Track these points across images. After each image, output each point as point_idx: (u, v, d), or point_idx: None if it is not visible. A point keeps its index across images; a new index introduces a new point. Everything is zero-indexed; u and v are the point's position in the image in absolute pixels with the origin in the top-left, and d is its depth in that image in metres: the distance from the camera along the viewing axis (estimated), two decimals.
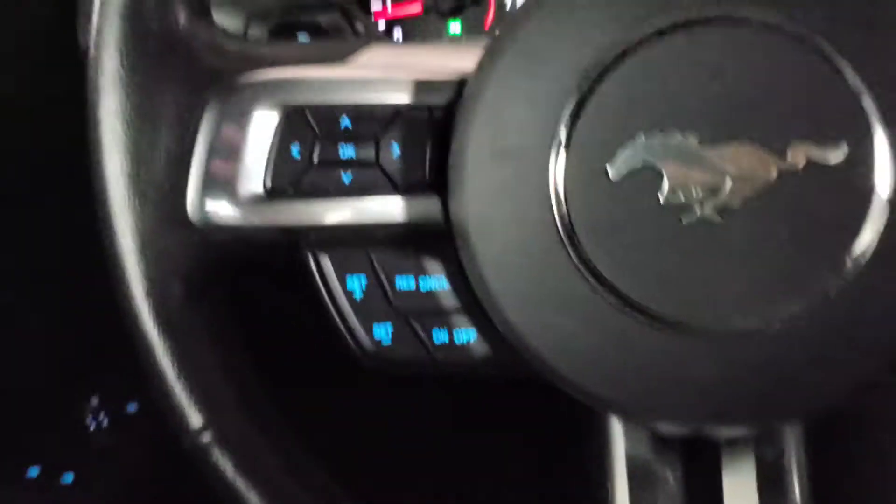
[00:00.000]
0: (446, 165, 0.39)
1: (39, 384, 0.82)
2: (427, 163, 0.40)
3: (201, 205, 0.39)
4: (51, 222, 0.76)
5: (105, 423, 0.85)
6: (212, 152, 0.39)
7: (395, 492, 0.46)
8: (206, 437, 0.39)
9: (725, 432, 0.40)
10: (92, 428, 0.84)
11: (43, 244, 0.76)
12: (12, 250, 0.75)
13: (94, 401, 0.86)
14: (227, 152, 0.39)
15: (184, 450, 0.39)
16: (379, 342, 0.40)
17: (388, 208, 0.40)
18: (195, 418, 0.39)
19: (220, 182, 0.39)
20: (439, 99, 0.40)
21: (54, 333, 0.82)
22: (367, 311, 0.40)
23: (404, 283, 0.40)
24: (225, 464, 0.39)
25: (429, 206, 0.40)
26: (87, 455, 0.80)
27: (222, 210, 0.39)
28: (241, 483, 0.39)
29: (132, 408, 0.86)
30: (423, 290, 0.41)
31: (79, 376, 0.85)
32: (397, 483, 0.52)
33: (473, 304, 0.40)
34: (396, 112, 0.40)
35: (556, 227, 0.37)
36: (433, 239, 0.40)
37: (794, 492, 0.40)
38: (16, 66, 0.68)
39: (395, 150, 0.40)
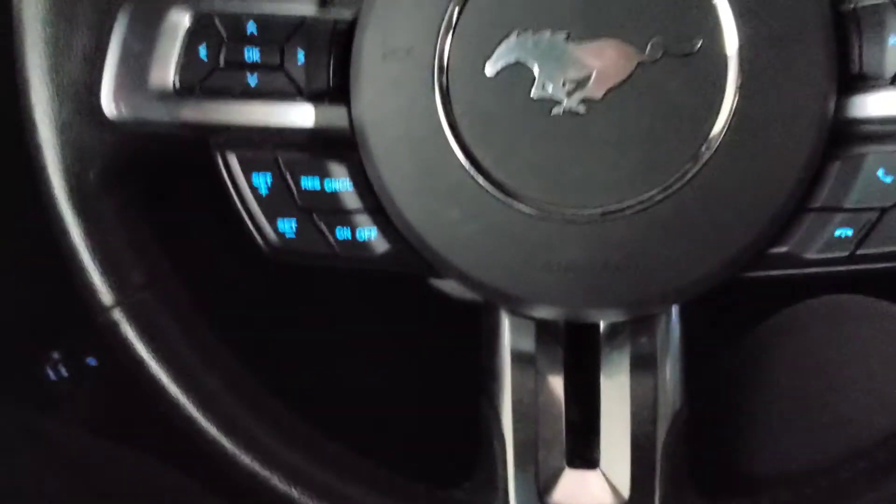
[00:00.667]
0: (348, 72, 0.42)
1: (2, 337, 0.84)
2: (331, 70, 0.43)
3: (114, 100, 0.42)
4: (17, 180, 0.79)
5: (64, 373, 0.87)
6: (125, 51, 0.42)
7: (294, 375, 0.48)
8: (116, 314, 0.42)
9: (598, 316, 0.43)
10: (52, 377, 0.87)
11: (9, 201, 0.79)
12: None
13: (55, 354, 0.89)
14: (139, 52, 0.42)
15: (96, 325, 0.42)
16: (283, 236, 0.43)
17: (295, 114, 0.42)
18: (106, 296, 0.42)
19: (132, 79, 0.42)
20: (344, 13, 0.43)
21: (18, 288, 0.85)
22: (273, 207, 0.43)
23: (309, 182, 0.43)
24: (133, 339, 0.42)
25: (335, 115, 0.42)
26: (45, 401, 0.83)
27: (133, 105, 0.42)
28: (147, 356, 0.42)
29: (92, 362, 0.89)
30: (327, 190, 0.43)
31: (40, 331, 0.88)
32: (297, 368, 0.54)
33: (375, 205, 0.43)
34: (301, 21, 0.43)
35: (441, 121, 0.40)
36: (339, 145, 0.43)
37: (664, 378, 0.43)
38: None
39: (300, 56, 0.43)
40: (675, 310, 0.44)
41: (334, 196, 0.43)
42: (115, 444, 0.57)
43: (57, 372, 0.88)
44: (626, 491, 0.42)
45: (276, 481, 0.42)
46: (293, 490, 0.42)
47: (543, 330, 0.44)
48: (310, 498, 0.42)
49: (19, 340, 0.85)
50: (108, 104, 0.42)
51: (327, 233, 0.43)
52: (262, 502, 0.42)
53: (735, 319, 0.52)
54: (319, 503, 0.42)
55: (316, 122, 0.42)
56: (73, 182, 0.42)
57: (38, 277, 0.84)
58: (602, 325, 0.45)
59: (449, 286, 0.67)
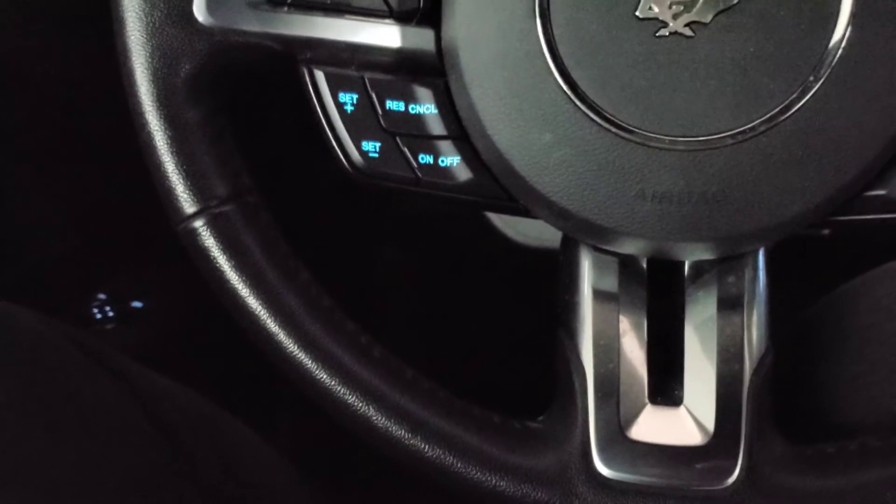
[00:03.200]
0: None
1: (51, 275, 0.85)
2: None
3: (206, 6, 0.41)
4: (76, 130, 0.79)
5: (110, 314, 0.88)
6: None
7: (370, 301, 0.48)
8: (197, 223, 0.42)
9: (688, 252, 0.42)
10: (98, 317, 0.87)
11: (71, 145, 0.79)
12: (39, 147, 0.78)
13: (102, 296, 0.89)
14: None
15: (176, 233, 0.41)
16: (367, 155, 0.42)
17: (382, 34, 0.42)
18: (188, 204, 0.41)
19: None
20: None
21: (72, 230, 0.85)
22: (357, 127, 0.42)
23: (394, 105, 0.42)
24: (214, 249, 0.41)
25: (421, 38, 0.42)
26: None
27: (225, 13, 0.41)
28: (227, 268, 0.41)
29: (137, 304, 0.89)
30: (411, 113, 0.43)
31: (90, 273, 0.88)
32: (373, 292, 0.54)
33: (459, 132, 0.42)
34: None
35: (539, 40, 0.39)
36: (425, 69, 0.42)
37: (751, 319, 0.42)
38: None
39: None
40: (761, 254, 0.44)
41: (418, 120, 0.42)
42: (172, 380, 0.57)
43: (103, 312, 0.89)
44: (710, 428, 0.41)
45: (354, 399, 0.41)
46: (370, 409, 0.42)
47: (626, 269, 0.43)
48: (386, 419, 0.42)
49: (68, 280, 0.85)
50: (201, 10, 0.41)
51: (410, 157, 0.42)
52: (337, 420, 0.42)
53: (819, 276, 0.51)
54: (394, 424, 0.42)
55: (402, 43, 0.42)
56: (160, 87, 0.41)
57: (87, 221, 0.85)
58: (687, 266, 0.44)
59: (516, 231, 0.67)
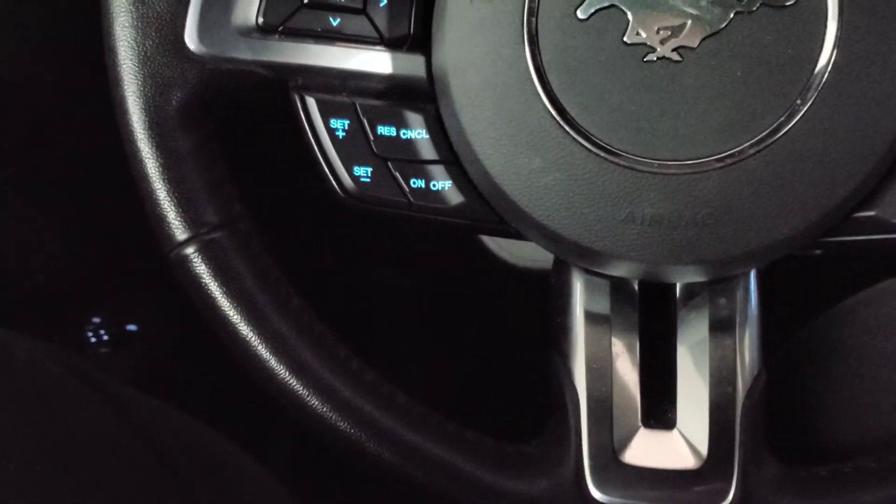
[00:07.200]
0: (430, 20, 0.41)
1: (46, 295, 0.85)
2: (412, 16, 0.42)
3: (197, 34, 0.41)
4: (69, 154, 0.79)
5: (104, 337, 0.87)
6: None
7: (363, 322, 0.48)
8: (189, 250, 0.42)
9: (678, 275, 0.42)
10: (93, 341, 0.87)
11: (67, 169, 0.79)
12: (35, 171, 0.78)
13: (96, 320, 0.89)
14: None
15: (167, 260, 0.41)
16: (358, 180, 0.42)
17: (373, 60, 0.42)
18: (180, 231, 0.42)
19: (216, 15, 0.41)
20: None
21: (66, 254, 0.85)
22: (349, 152, 0.42)
23: (386, 130, 0.43)
24: (205, 276, 0.41)
25: (412, 64, 0.42)
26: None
27: (215, 42, 0.41)
28: (219, 294, 0.41)
29: (132, 328, 0.89)
30: (403, 139, 0.43)
31: (83, 296, 0.88)
32: (367, 313, 0.54)
33: (450, 156, 0.42)
34: None
35: (528, 66, 0.40)
36: (416, 95, 0.42)
37: (743, 341, 0.42)
38: None
39: (383, 1, 0.42)
40: (752, 275, 0.44)
41: (410, 145, 0.42)
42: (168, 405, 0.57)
43: (97, 335, 0.89)
44: (703, 451, 0.41)
45: (345, 425, 0.41)
46: (362, 435, 0.42)
47: (617, 292, 0.44)
48: (378, 445, 0.42)
49: (61, 304, 0.85)
50: (192, 39, 0.41)
51: (401, 181, 0.43)
52: (328, 446, 0.41)
53: (811, 296, 0.51)
54: (387, 450, 0.42)
55: (393, 69, 0.42)
56: (152, 115, 0.41)
57: (82, 244, 0.85)
58: (678, 288, 0.44)
59: (509, 253, 0.67)
